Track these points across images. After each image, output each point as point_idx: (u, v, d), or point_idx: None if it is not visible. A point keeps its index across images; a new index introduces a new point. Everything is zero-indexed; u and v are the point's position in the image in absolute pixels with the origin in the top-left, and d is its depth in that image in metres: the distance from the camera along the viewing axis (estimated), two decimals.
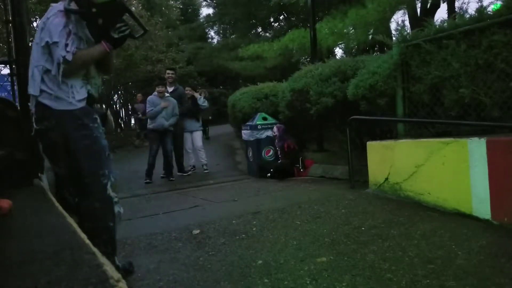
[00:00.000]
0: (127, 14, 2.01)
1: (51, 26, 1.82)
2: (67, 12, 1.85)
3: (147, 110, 6.17)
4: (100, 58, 1.95)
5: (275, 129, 6.10)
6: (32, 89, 1.85)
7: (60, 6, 1.89)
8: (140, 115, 10.96)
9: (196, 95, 7.24)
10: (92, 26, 1.92)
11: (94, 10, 1.88)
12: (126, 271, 2.15)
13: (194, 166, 6.94)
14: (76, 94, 1.87)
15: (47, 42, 1.81)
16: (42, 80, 1.84)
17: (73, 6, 1.89)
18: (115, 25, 1.93)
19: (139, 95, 12.11)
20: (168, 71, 6.88)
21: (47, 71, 1.84)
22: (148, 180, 5.97)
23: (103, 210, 1.85)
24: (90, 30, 1.92)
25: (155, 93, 6.11)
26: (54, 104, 1.83)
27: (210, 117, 10.63)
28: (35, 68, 1.86)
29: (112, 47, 1.95)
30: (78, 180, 1.87)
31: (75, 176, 1.88)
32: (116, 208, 1.94)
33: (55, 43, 1.80)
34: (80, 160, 1.84)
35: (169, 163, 6.16)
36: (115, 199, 1.94)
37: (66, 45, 1.80)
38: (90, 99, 1.95)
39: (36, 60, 1.86)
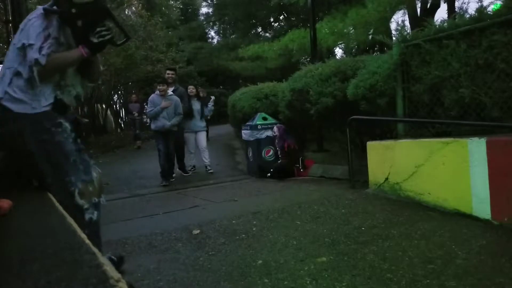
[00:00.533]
0: (109, 18, 1.90)
1: (30, 28, 1.75)
2: (46, 12, 1.78)
3: (148, 110, 5.93)
4: (78, 63, 1.86)
5: (275, 129, 6.10)
6: None
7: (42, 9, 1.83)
8: (136, 114, 10.61)
9: (203, 95, 7.14)
10: (71, 28, 1.83)
11: (73, 10, 1.79)
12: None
13: (194, 166, 6.86)
14: (42, 99, 1.77)
15: (23, 44, 1.73)
16: (10, 82, 1.74)
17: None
18: (95, 29, 1.82)
19: (133, 95, 11.52)
20: (168, 71, 6.64)
21: (17, 74, 1.75)
22: (165, 183, 5.70)
23: (75, 219, 1.61)
24: (71, 32, 1.84)
25: (157, 91, 5.92)
26: (15, 107, 1.72)
27: (208, 117, 10.73)
28: (7, 70, 1.77)
29: (90, 52, 1.83)
30: (48, 188, 1.78)
31: (42, 184, 1.80)
32: (87, 215, 1.81)
33: (31, 45, 1.72)
34: (42, 166, 1.74)
35: (171, 164, 6.08)
36: (85, 206, 1.81)
37: (41, 48, 1.72)
38: (58, 105, 1.83)
39: (10, 61, 1.78)
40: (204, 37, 21.23)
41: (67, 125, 1.82)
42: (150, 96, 6.02)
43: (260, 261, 2.33)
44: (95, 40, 1.82)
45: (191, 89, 6.86)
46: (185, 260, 2.42)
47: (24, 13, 2.97)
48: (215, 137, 11.35)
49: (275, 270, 2.18)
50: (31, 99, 1.74)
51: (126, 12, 12.28)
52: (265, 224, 3.08)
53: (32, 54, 1.70)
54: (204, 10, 22.30)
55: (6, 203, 1.63)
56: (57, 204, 1.67)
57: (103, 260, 0.95)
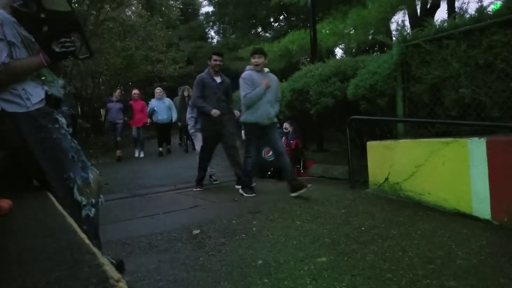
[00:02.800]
0: (77, 31, 1.87)
1: None
2: (14, 11, 1.71)
3: (243, 94, 4.24)
4: (37, 71, 1.78)
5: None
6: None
7: None
8: (119, 120, 8.54)
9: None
10: (34, 33, 1.76)
11: (42, 15, 1.72)
12: None
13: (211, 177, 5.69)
14: (30, 97, 1.72)
15: None
16: None
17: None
18: (59, 38, 1.77)
19: (117, 91, 9.50)
20: (215, 57, 4.81)
21: None
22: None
23: (73, 216, 1.64)
24: (34, 35, 1.77)
25: (250, 67, 4.32)
26: (8, 107, 1.68)
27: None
28: None
29: (50, 60, 1.76)
30: (45, 184, 1.78)
31: (41, 181, 1.79)
32: (84, 212, 1.79)
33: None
34: (41, 164, 1.72)
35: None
36: (84, 202, 1.79)
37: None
38: (51, 99, 1.81)
39: None
40: (204, 37, 21.22)
41: (63, 121, 1.81)
42: (245, 73, 4.32)
43: (260, 261, 2.33)
44: (57, 50, 1.76)
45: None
46: (185, 260, 2.42)
47: None
48: None
49: (275, 270, 2.18)
50: (19, 99, 1.69)
51: (126, 12, 12.27)
52: (265, 224, 3.08)
53: None
54: (204, 10, 22.32)
55: (6, 203, 1.63)
56: (57, 204, 1.67)
57: (103, 260, 0.95)
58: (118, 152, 8.64)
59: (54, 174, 1.74)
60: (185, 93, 8.50)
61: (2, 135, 1.72)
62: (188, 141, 9.45)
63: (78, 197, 1.77)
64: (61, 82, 2.05)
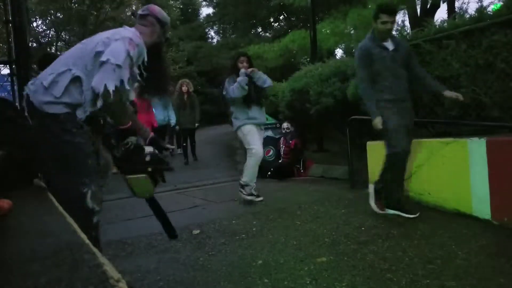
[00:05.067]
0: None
1: (116, 46, 1.71)
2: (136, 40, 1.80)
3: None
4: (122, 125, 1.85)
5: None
6: (56, 91, 1.69)
7: (134, 33, 1.83)
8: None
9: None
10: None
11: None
12: None
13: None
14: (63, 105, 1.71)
15: (108, 60, 1.67)
16: (52, 82, 1.68)
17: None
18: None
19: None
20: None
21: (75, 79, 1.70)
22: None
23: (81, 220, 1.60)
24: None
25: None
26: (43, 106, 1.69)
27: (197, 125, 7.32)
28: (68, 71, 1.70)
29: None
30: (57, 186, 1.80)
31: (54, 182, 1.81)
32: (95, 219, 1.78)
33: (119, 66, 1.67)
34: (58, 166, 1.74)
35: None
36: (96, 209, 1.77)
37: (128, 79, 1.71)
38: (87, 118, 1.80)
39: (72, 64, 1.72)
40: (204, 37, 21.22)
41: (87, 128, 1.80)
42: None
43: (260, 261, 2.33)
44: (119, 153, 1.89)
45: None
46: (185, 260, 2.42)
47: (24, 13, 2.97)
48: (215, 137, 11.35)
49: (275, 270, 2.18)
50: (53, 102, 1.68)
51: (126, 12, 12.27)
52: (265, 224, 3.07)
53: (117, 78, 1.66)
54: (204, 10, 22.33)
55: (6, 203, 1.63)
56: (57, 204, 1.67)
57: (103, 260, 0.95)
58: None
59: (67, 177, 1.72)
60: (183, 88, 7.06)
61: (34, 129, 1.74)
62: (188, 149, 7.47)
63: (89, 203, 1.74)
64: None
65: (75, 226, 1.35)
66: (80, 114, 1.73)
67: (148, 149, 1.94)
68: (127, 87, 1.73)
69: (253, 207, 3.69)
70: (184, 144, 7.31)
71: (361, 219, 3.04)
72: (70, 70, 1.70)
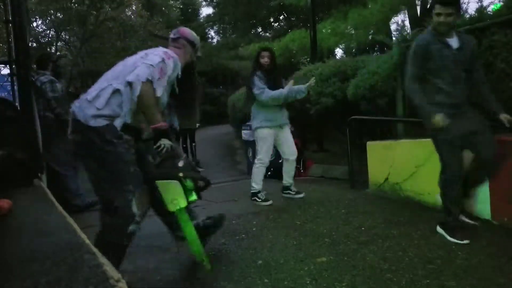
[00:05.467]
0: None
1: (153, 57, 1.91)
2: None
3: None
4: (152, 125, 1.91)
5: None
6: (98, 103, 1.82)
7: (170, 51, 2.05)
8: None
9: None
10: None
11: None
12: None
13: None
14: (105, 117, 1.83)
15: (143, 63, 1.86)
16: (96, 97, 1.83)
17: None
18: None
19: None
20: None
21: (115, 92, 1.83)
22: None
23: (124, 226, 1.80)
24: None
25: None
26: (87, 120, 1.80)
27: (198, 125, 7.20)
28: (109, 86, 1.85)
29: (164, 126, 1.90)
30: (103, 194, 1.87)
31: (100, 190, 1.88)
32: (132, 227, 1.84)
33: (151, 65, 1.84)
34: (105, 175, 1.82)
35: None
36: (137, 218, 1.84)
37: (158, 78, 1.85)
38: (124, 126, 1.89)
39: (112, 79, 1.87)
40: (204, 37, 21.23)
41: (128, 137, 1.87)
42: None
43: (260, 261, 2.33)
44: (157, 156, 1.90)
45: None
46: (185, 260, 2.42)
47: (24, 13, 2.97)
48: (215, 137, 11.35)
49: (275, 270, 2.18)
50: (96, 115, 1.80)
51: (126, 12, 12.26)
52: (265, 224, 3.07)
53: (149, 74, 1.81)
54: (204, 10, 22.33)
55: (6, 203, 1.63)
56: (57, 204, 1.68)
57: (103, 260, 0.95)
58: None
59: (115, 185, 1.81)
60: None
61: (75, 143, 1.88)
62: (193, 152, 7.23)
63: (134, 210, 1.83)
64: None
65: (75, 226, 1.36)
66: (118, 123, 1.83)
67: (183, 157, 1.98)
68: (160, 92, 1.86)
69: (253, 207, 3.68)
70: (184, 145, 7.16)
71: (361, 219, 3.04)
72: (111, 84, 1.84)
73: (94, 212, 3.90)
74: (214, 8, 19.92)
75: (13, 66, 3.02)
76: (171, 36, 2.24)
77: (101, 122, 1.79)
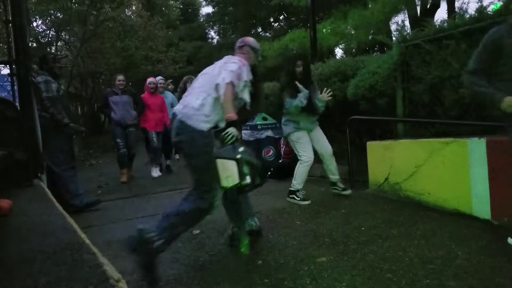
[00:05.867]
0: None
1: (232, 64, 2.34)
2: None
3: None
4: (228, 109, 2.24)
5: None
6: (206, 111, 2.26)
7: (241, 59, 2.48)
8: (131, 121, 5.65)
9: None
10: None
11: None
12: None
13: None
14: (210, 123, 2.26)
15: (225, 68, 2.30)
16: (198, 103, 2.26)
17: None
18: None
19: (120, 76, 5.87)
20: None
21: (215, 100, 2.27)
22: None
23: (204, 212, 2.21)
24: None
25: None
26: (191, 122, 2.22)
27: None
28: (209, 96, 2.28)
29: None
30: (201, 180, 2.23)
31: (199, 179, 2.24)
32: (218, 202, 2.25)
33: (232, 71, 2.28)
34: (201, 171, 2.22)
35: None
36: (214, 209, 2.24)
37: (236, 81, 2.29)
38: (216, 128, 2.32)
39: (209, 89, 2.29)
40: (204, 37, 21.24)
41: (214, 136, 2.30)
42: None
43: (260, 261, 2.33)
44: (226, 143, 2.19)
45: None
46: (185, 260, 2.42)
47: (24, 13, 2.97)
48: None
49: (275, 270, 2.18)
50: (204, 120, 2.24)
51: (126, 12, 12.26)
52: (265, 224, 3.07)
53: (231, 77, 2.23)
54: (204, 10, 22.34)
55: (6, 203, 1.63)
56: (57, 204, 1.68)
57: (103, 260, 0.95)
58: (125, 173, 5.72)
59: (209, 178, 2.16)
60: (188, 85, 6.31)
61: (181, 142, 2.26)
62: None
63: (218, 202, 2.24)
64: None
65: (75, 226, 1.36)
66: (219, 124, 2.31)
67: (242, 147, 2.25)
68: (240, 88, 2.32)
69: (253, 207, 3.68)
70: None
71: (361, 219, 3.04)
72: (210, 94, 2.28)
73: (94, 212, 3.92)
74: (213, 7, 19.92)
75: (13, 66, 3.02)
76: (237, 45, 2.68)
77: (206, 126, 2.24)
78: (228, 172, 2.10)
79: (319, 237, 2.69)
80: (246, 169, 2.11)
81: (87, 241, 1.12)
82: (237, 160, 2.09)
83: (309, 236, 2.72)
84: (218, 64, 2.45)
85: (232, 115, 2.20)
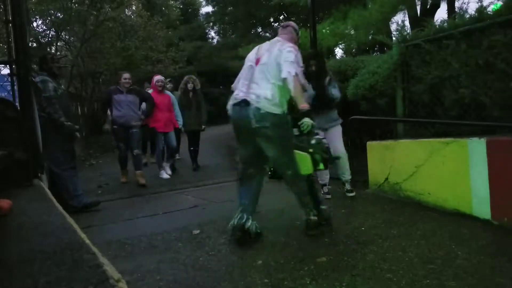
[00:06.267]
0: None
1: (288, 53, 2.54)
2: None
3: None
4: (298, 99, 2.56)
5: None
6: (276, 99, 2.55)
7: (292, 44, 2.68)
8: (136, 122, 5.23)
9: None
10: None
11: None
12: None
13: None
14: (283, 107, 2.59)
15: (285, 60, 2.52)
16: (270, 92, 2.53)
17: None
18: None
19: (126, 74, 5.52)
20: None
21: (279, 88, 2.54)
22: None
23: (295, 177, 2.71)
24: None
25: None
26: (270, 109, 2.52)
27: (203, 127, 6.66)
28: (273, 84, 2.54)
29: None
30: (278, 160, 2.69)
31: (276, 157, 2.67)
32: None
33: (292, 62, 2.50)
34: (282, 149, 2.62)
35: None
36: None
37: (299, 70, 2.57)
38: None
39: (272, 78, 2.56)
40: (204, 37, 21.24)
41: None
42: None
43: (260, 261, 2.33)
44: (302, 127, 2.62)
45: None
46: (185, 260, 2.42)
47: (24, 13, 2.96)
48: (215, 137, 11.35)
49: (275, 270, 2.18)
50: (278, 107, 2.54)
51: (126, 12, 12.26)
52: (265, 224, 3.07)
53: (294, 68, 2.48)
54: (204, 10, 22.32)
55: (6, 203, 1.63)
56: (57, 204, 1.67)
57: (103, 260, 0.95)
58: (126, 174, 5.55)
59: (284, 155, 2.64)
60: (189, 86, 6.26)
61: (260, 129, 2.55)
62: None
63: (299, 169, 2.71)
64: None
65: (75, 226, 1.35)
66: (283, 109, 2.60)
67: (319, 135, 2.76)
68: (302, 79, 2.59)
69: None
70: (192, 148, 6.60)
71: (361, 219, 3.04)
72: (273, 83, 2.54)
73: (94, 212, 3.92)
74: (213, 7, 19.92)
75: (13, 66, 3.02)
76: (282, 25, 2.96)
77: (279, 110, 2.54)
78: (304, 164, 2.63)
79: (319, 237, 2.69)
80: (318, 158, 2.63)
81: (87, 241, 1.12)
82: (310, 153, 2.60)
83: (309, 236, 2.72)
84: (272, 51, 2.62)
85: (305, 105, 2.55)
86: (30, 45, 5.84)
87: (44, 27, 10.46)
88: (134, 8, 12.96)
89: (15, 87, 3.10)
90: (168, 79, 7.28)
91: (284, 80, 2.46)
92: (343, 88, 4.80)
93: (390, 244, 2.47)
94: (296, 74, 2.46)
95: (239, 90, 2.70)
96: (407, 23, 9.94)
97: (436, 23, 3.79)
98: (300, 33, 2.98)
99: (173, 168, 6.22)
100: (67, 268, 0.91)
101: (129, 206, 4.27)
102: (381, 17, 8.78)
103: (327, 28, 9.69)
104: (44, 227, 1.34)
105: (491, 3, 4.28)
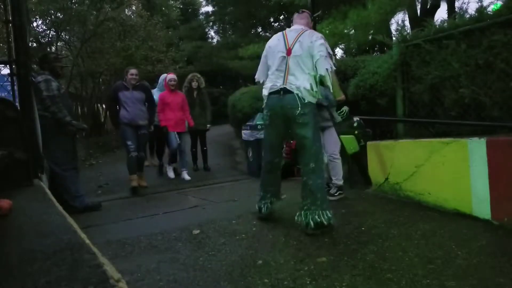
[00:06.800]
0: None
1: (320, 46, 2.75)
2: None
3: None
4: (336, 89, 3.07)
5: None
6: (314, 89, 2.81)
7: (315, 32, 2.94)
8: (143, 122, 5.00)
9: None
10: None
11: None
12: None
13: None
14: (317, 96, 2.86)
15: (320, 55, 2.72)
16: (308, 82, 2.76)
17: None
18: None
19: (133, 70, 5.08)
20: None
21: (314, 78, 2.80)
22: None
23: (318, 168, 2.80)
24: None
25: None
26: (309, 99, 2.77)
27: (208, 126, 6.48)
28: (309, 75, 2.77)
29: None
30: (311, 147, 2.79)
31: (310, 145, 2.79)
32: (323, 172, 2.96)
33: (325, 56, 2.72)
34: (313, 136, 2.79)
35: None
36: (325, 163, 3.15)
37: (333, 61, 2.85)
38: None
39: (307, 69, 2.77)
40: (204, 37, 21.25)
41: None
42: None
43: (260, 261, 2.33)
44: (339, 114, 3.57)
45: None
46: (185, 260, 2.42)
47: (24, 13, 2.96)
48: (215, 137, 11.36)
49: (275, 270, 2.18)
50: (314, 96, 2.81)
51: (126, 12, 12.26)
52: (265, 224, 3.08)
53: (329, 63, 2.73)
54: (204, 9, 22.32)
55: (6, 203, 1.63)
56: (57, 204, 1.67)
57: (103, 260, 0.95)
58: (138, 179, 5.15)
59: (316, 139, 2.83)
60: (194, 84, 6.22)
61: (302, 113, 2.76)
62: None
63: (323, 157, 3.07)
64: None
65: (75, 226, 1.35)
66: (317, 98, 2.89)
67: (356, 118, 3.42)
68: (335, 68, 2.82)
69: (253, 207, 3.68)
70: (194, 149, 6.53)
71: (361, 219, 3.04)
72: (309, 73, 2.76)
73: (94, 212, 3.93)
74: (213, 6, 19.91)
75: (13, 66, 3.02)
76: (298, 12, 3.24)
77: (314, 100, 2.82)
78: (350, 144, 3.30)
79: (319, 237, 2.69)
80: (360, 136, 3.38)
81: (87, 241, 1.12)
82: (355, 134, 3.29)
83: (309, 236, 2.72)
84: (304, 43, 2.77)
85: (343, 97, 3.19)
86: (30, 45, 5.85)
87: (44, 27, 10.46)
88: (134, 8, 12.97)
89: (15, 87, 3.10)
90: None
91: (323, 76, 2.72)
92: (343, 88, 4.81)
93: (390, 244, 2.47)
94: (332, 69, 2.71)
95: (275, 81, 2.85)
96: (407, 23, 9.95)
97: (436, 23, 3.79)
98: (314, 18, 3.36)
99: (174, 169, 6.24)
100: (67, 268, 0.91)
101: (129, 206, 4.27)
102: (380, 17, 8.78)
103: (326, 28, 9.68)
104: (44, 227, 1.34)
105: (491, 3, 4.27)
